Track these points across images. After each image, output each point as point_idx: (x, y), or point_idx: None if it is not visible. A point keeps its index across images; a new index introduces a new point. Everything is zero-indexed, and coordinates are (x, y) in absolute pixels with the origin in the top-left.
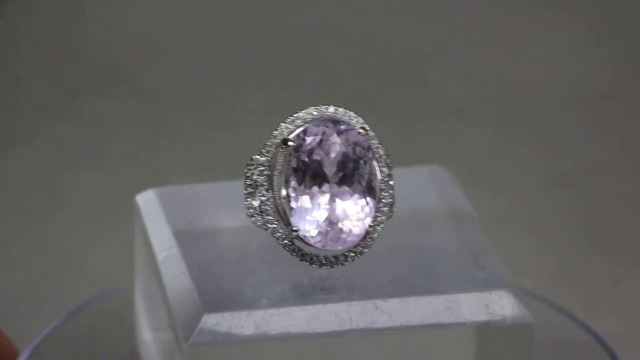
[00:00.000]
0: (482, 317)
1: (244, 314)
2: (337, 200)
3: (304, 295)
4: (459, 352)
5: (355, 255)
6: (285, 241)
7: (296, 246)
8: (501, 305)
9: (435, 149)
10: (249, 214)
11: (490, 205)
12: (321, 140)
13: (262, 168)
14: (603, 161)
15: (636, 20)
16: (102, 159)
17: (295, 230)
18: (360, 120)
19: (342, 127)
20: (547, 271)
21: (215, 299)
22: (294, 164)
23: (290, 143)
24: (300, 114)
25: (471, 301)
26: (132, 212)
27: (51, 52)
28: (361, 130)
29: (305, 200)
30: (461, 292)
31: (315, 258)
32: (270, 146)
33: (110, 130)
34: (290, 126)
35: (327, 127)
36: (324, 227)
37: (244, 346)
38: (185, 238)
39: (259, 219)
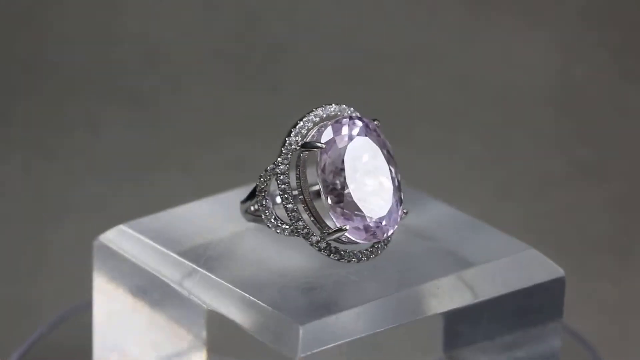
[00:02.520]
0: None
1: (332, 317)
2: None
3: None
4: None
5: (384, 245)
6: (322, 243)
7: (333, 247)
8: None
9: (421, 154)
10: (272, 224)
11: (478, 206)
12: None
13: (283, 176)
14: (592, 163)
15: (623, 25)
16: (96, 163)
17: (345, 229)
18: (357, 113)
19: (363, 123)
20: None
21: (296, 309)
22: (331, 167)
23: (319, 145)
24: (310, 117)
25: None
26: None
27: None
28: (377, 123)
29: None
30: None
31: (351, 254)
32: (287, 153)
33: (104, 136)
34: (303, 130)
35: (350, 125)
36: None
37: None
38: (199, 262)
39: (285, 227)
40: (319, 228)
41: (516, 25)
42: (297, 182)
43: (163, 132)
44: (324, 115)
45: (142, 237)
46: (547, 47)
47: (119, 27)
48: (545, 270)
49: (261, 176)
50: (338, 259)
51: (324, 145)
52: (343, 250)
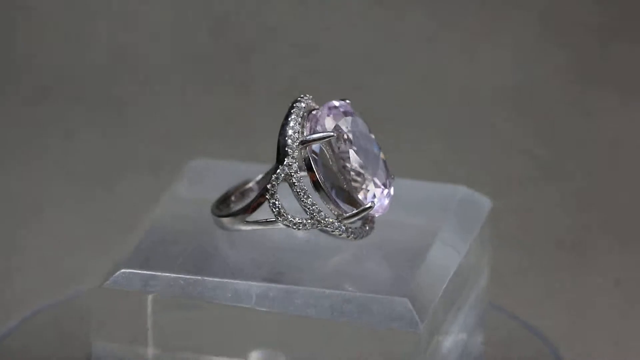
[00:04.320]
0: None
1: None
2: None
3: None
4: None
5: (373, 224)
6: (342, 227)
7: (349, 229)
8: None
9: (390, 155)
10: (292, 223)
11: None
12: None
13: (296, 174)
14: (550, 164)
15: (590, 23)
16: (69, 169)
17: (371, 207)
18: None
19: (344, 105)
20: (497, 271)
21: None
22: (347, 153)
23: (331, 133)
24: (295, 113)
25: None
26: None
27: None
28: (348, 102)
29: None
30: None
31: (357, 231)
32: (293, 151)
33: (77, 140)
34: (296, 126)
35: (342, 109)
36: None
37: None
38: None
39: (306, 222)
40: (338, 214)
41: (477, 27)
42: (314, 175)
43: (133, 135)
44: (305, 107)
45: (158, 273)
46: (507, 49)
47: (89, 30)
48: (481, 205)
49: (270, 181)
50: (354, 238)
51: (334, 133)
52: (352, 229)
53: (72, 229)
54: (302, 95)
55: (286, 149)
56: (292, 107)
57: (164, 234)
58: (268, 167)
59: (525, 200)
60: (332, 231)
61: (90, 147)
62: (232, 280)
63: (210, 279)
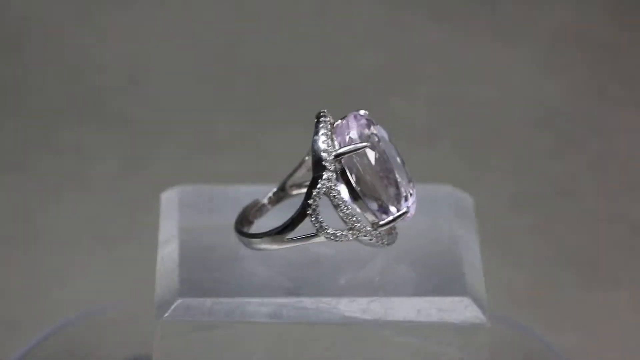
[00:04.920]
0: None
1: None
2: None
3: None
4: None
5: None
6: (378, 234)
7: (382, 234)
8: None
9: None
10: (335, 236)
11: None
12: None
13: (334, 186)
14: (565, 182)
15: (592, 43)
16: (81, 187)
17: (407, 212)
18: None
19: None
20: (511, 287)
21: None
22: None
23: (364, 144)
24: (322, 126)
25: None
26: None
27: (32, 81)
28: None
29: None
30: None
31: (388, 239)
32: (330, 164)
33: (89, 159)
34: (328, 140)
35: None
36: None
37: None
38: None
39: (348, 233)
40: (373, 222)
41: (493, 44)
42: (351, 185)
43: (142, 152)
44: (329, 120)
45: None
46: (524, 66)
47: (99, 50)
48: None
49: (312, 196)
50: (387, 244)
51: (368, 143)
52: (383, 236)
53: (94, 249)
54: (323, 110)
55: (323, 163)
56: (319, 122)
57: (193, 263)
58: (255, 185)
59: (540, 216)
60: (370, 239)
61: (117, 171)
62: (275, 299)
63: (257, 299)
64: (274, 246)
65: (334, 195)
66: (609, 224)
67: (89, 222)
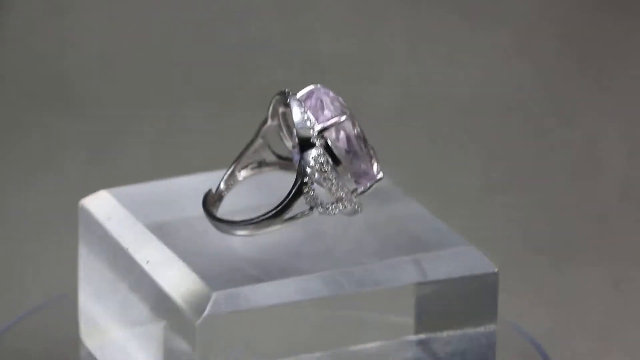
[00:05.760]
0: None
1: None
2: None
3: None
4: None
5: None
6: (358, 201)
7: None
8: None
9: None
10: (330, 208)
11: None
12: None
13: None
14: (537, 166)
15: (564, 28)
16: (48, 172)
17: (382, 178)
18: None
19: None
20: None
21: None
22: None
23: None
24: (296, 108)
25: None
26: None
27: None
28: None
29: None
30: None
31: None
32: (314, 142)
33: (57, 144)
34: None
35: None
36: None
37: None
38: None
39: (340, 205)
40: (353, 191)
41: (465, 27)
42: (336, 158)
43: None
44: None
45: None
46: (492, 52)
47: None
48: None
49: (307, 174)
50: (360, 211)
51: (347, 114)
52: (360, 203)
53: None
54: (284, 89)
55: (311, 140)
56: (289, 98)
57: (198, 258)
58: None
59: (511, 200)
60: (354, 208)
61: (85, 156)
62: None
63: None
64: (270, 228)
65: (324, 170)
66: (579, 208)
67: (59, 207)
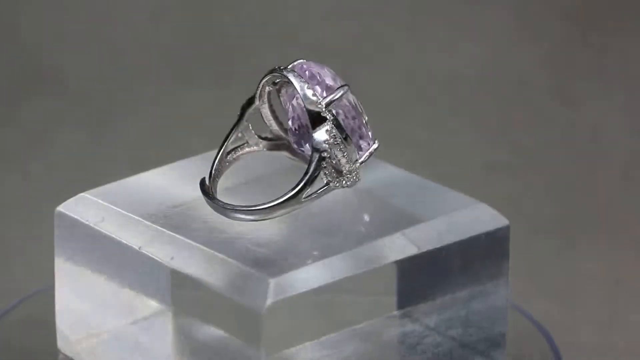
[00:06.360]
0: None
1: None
2: None
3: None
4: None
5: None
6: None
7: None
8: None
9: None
10: (347, 184)
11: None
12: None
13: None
14: (540, 148)
15: (567, 14)
16: (37, 160)
17: (378, 146)
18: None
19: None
20: None
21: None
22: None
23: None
24: (299, 84)
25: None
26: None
27: None
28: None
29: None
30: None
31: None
32: (326, 115)
33: (46, 132)
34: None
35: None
36: None
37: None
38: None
39: (351, 177)
40: (355, 160)
41: (465, 11)
42: (343, 130)
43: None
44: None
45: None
46: (490, 38)
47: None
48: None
49: (324, 149)
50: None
51: (348, 85)
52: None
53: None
54: (277, 66)
55: (321, 114)
56: (289, 74)
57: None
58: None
59: (509, 188)
60: (356, 179)
61: (75, 144)
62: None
63: None
64: (287, 210)
65: (337, 143)
66: (582, 193)
67: (51, 196)
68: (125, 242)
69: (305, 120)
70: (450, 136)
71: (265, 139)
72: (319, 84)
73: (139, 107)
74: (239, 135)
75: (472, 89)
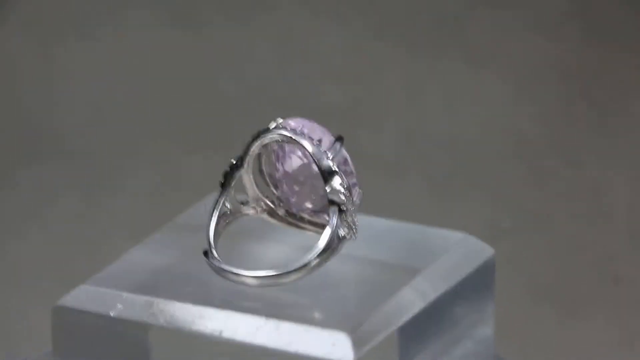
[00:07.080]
0: None
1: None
2: None
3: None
4: None
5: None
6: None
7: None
8: None
9: (374, 206)
10: (354, 235)
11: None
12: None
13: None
14: (542, 212)
15: (564, 74)
16: (41, 225)
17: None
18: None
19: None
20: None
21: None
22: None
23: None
24: (306, 142)
25: None
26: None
27: None
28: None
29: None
30: None
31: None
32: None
33: (49, 197)
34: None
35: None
36: None
37: None
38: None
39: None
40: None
41: (463, 74)
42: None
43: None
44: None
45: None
46: (493, 97)
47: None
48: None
49: (345, 204)
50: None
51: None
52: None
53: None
54: (268, 127)
55: (332, 168)
56: (289, 138)
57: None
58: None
59: (515, 249)
60: (355, 232)
61: (77, 208)
62: None
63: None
64: (319, 268)
65: (348, 195)
66: (583, 254)
67: (49, 261)
68: (161, 324)
69: (308, 177)
70: (449, 201)
71: (244, 203)
72: (314, 138)
73: (139, 171)
74: (226, 201)
75: (470, 149)
